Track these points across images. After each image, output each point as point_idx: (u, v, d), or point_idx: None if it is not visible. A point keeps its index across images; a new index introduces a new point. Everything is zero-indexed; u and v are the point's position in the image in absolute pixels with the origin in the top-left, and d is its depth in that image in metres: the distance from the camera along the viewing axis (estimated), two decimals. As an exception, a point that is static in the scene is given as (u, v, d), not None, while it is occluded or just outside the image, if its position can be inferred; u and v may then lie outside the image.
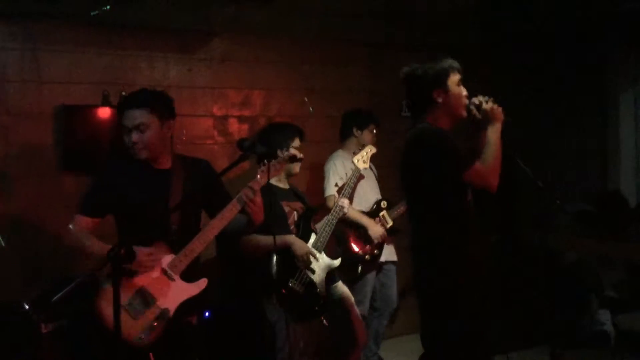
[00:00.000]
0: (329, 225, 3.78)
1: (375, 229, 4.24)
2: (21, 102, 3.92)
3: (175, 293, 2.68)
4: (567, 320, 4.78)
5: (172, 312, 2.65)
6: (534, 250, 4.98)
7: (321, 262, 3.64)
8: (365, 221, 4.24)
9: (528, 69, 5.68)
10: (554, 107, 5.56)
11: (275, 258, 3.40)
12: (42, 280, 3.70)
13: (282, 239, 3.48)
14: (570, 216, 5.00)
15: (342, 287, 3.86)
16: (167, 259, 2.70)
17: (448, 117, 2.79)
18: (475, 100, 2.82)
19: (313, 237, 3.71)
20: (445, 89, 2.75)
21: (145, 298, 2.64)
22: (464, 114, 2.81)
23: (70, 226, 2.78)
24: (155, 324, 2.59)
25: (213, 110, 4.55)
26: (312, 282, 3.57)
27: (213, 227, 2.75)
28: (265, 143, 3.54)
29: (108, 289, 2.51)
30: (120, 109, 2.81)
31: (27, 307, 3.26)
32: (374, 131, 4.46)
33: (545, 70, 5.60)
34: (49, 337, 3.23)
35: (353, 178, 4.08)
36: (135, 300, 2.62)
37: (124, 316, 2.47)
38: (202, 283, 2.75)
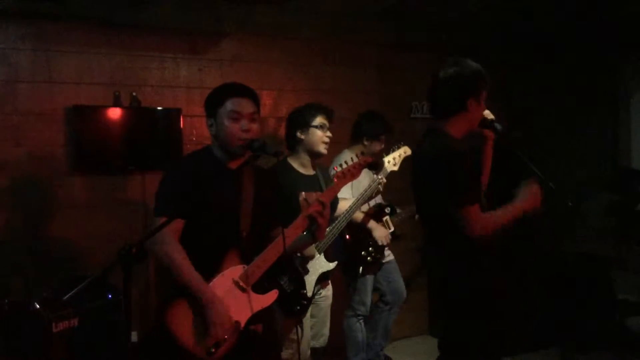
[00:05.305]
0: (344, 219, 3.56)
1: (380, 231, 4.12)
2: (32, 102, 3.94)
3: (247, 305, 2.55)
4: (579, 322, 4.74)
5: (243, 325, 2.54)
6: (547, 252, 4.96)
7: (317, 264, 3.50)
8: (371, 224, 4.12)
9: (540, 70, 5.65)
10: (565, 108, 5.53)
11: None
12: (52, 279, 3.72)
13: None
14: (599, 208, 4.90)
15: (327, 298, 3.74)
16: (238, 269, 2.56)
17: (467, 128, 2.70)
18: (490, 117, 2.79)
19: None
20: (478, 100, 2.66)
21: None
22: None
23: (166, 239, 2.43)
24: (226, 337, 2.48)
25: (223, 111, 4.54)
26: (302, 282, 3.40)
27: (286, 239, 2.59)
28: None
29: (179, 303, 2.46)
30: (226, 95, 2.64)
31: (37, 306, 3.26)
32: (383, 139, 4.28)
33: (557, 71, 5.57)
34: (59, 336, 3.23)
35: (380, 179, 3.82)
36: None
37: (196, 330, 2.43)
38: (273, 294, 2.63)
